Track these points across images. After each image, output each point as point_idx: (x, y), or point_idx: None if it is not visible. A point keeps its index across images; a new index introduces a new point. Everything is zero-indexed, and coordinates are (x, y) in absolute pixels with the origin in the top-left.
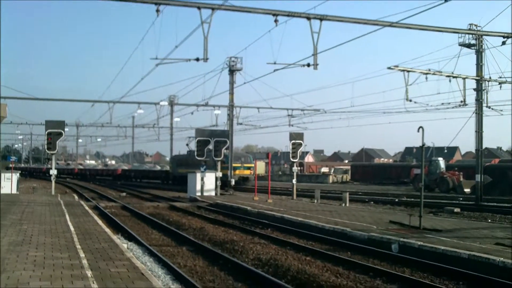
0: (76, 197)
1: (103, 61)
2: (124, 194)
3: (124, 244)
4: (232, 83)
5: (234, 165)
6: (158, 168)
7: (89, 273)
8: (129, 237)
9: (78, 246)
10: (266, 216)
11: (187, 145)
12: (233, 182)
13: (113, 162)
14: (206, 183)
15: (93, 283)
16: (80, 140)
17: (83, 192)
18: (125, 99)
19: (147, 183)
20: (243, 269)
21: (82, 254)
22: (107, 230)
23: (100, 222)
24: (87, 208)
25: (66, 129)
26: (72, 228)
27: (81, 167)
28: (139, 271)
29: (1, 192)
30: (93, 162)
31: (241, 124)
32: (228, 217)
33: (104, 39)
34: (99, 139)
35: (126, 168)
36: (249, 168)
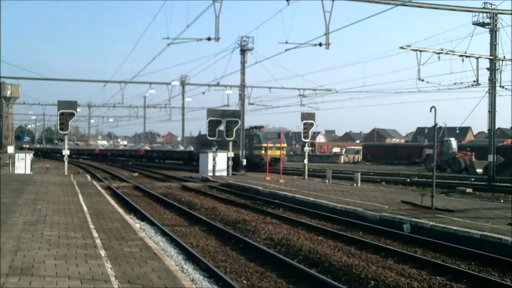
0: (88, 177)
1: (115, 40)
2: (136, 174)
3: (136, 224)
4: (243, 63)
5: (265, 145)
6: (181, 148)
7: (102, 252)
8: (142, 217)
9: (92, 226)
10: (278, 196)
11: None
12: (244, 162)
13: (125, 142)
14: (218, 163)
15: (107, 262)
16: (92, 121)
17: (96, 172)
18: (136, 79)
19: (170, 164)
20: (255, 249)
21: (95, 234)
22: (120, 210)
23: (112, 202)
24: (99, 188)
25: (78, 110)
26: (85, 208)
27: (102, 147)
28: (152, 251)
29: (16, 172)
30: (105, 142)
31: (252, 104)
32: (240, 197)
33: (116, 17)
34: (110, 120)
35: (148, 148)
36: (279, 148)
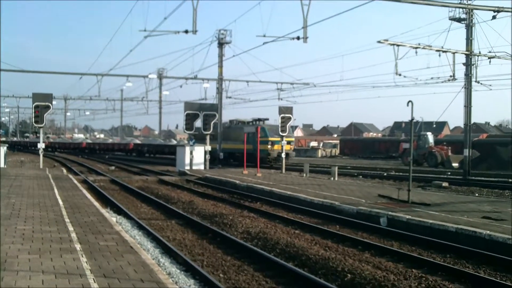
0: (64, 170)
1: (92, 33)
2: (113, 168)
3: (113, 217)
4: (221, 56)
5: (272, 139)
6: (174, 142)
7: (78, 246)
8: (118, 211)
9: (67, 220)
10: (255, 189)
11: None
12: (222, 156)
13: (102, 135)
14: (195, 156)
15: (82, 256)
16: (68, 114)
17: (72, 166)
18: (113, 72)
19: (160, 159)
20: (232, 243)
21: (71, 228)
22: (96, 203)
23: (89, 195)
24: (75, 181)
25: (53, 102)
26: (60, 202)
27: (89, 141)
28: (128, 245)
29: None
30: (81, 135)
31: (230, 97)
32: (217, 190)
33: (93, 9)
34: (87, 113)
35: (138, 142)
36: (289, 142)
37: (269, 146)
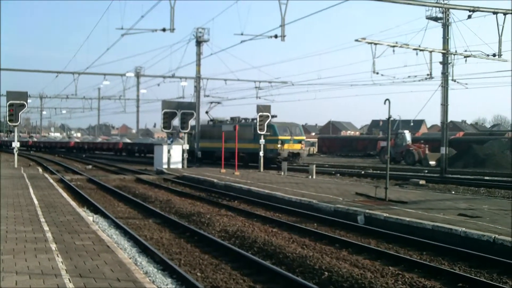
0: (40, 170)
1: (68, 30)
2: (90, 166)
3: (89, 217)
4: (199, 54)
5: (281, 137)
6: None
7: (53, 246)
8: (95, 210)
9: (42, 219)
10: (233, 188)
11: (206, 112)
12: (200, 154)
13: (79, 134)
14: (173, 155)
15: (58, 256)
16: (44, 112)
17: (48, 165)
18: (90, 70)
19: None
20: (210, 241)
21: (46, 227)
22: (73, 203)
23: (65, 195)
24: (51, 181)
25: (29, 101)
26: (36, 201)
27: (77, 140)
28: (105, 244)
29: None
30: (58, 134)
31: (208, 96)
32: (195, 189)
33: (69, 6)
34: (64, 111)
35: (128, 141)
36: (300, 141)
37: (278, 146)
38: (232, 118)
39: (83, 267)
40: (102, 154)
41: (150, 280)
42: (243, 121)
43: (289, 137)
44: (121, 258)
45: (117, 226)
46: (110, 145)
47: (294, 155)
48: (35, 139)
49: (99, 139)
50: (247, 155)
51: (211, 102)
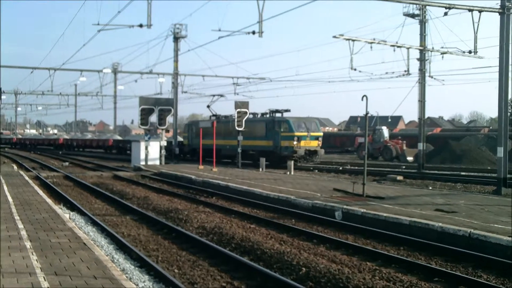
0: (15, 167)
1: (43, 25)
2: (67, 163)
3: (66, 214)
4: (176, 50)
5: (298, 134)
6: (179, 138)
7: (28, 244)
8: (72, 207)
9: (17, 217)
10: (211, 184)
11: (208, 106)
12: (177, 151)
13: (55, 131)
14: (151, 152)
15: (33, 254)
16: (19, 109)
17: (23, 162)
18: (66, 66)
19: (116, 154)
20: (188, 238)
21: (20, 225)
22: (49, 200)
23: (41, 192)
24: (27, 178)
25: (3, 97)
26: (10, 199)
27: (66, 137)
28: (81, 241)
29: None
30: (33, 131)
31: (186, 92)
32: (172, 186)
33: (43, 2)
34: (39, 108)
35: (119, 138)
36: (317, 138)
37: (294, 143)
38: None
39: (58, 265)
40: (80, 151)
41: (127, 277)
42: (250, 116)
43: (305, 133)
44: (97, 256)
45: (94, 223)
46: (99, 142)
47: (311, 153)
48: (19, 136)
49: (88, 136)
50: (257, 153)
51: (213, 95)
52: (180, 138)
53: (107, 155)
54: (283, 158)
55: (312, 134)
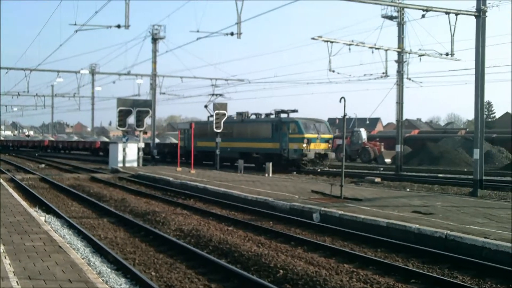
0: None
1: (18, 24)
2: (43, 165)
3: (41, 217)
4: (155, 51)
5: (308, 135)
6: (156, 140)
7: (1, 248)
8: (48, 210)
9: None
10: (189, 186)
11: (205, 106)
12: (155, 153)
13: (32, 132)
14: (128, 154)
15: (5, 258)
16: None
17: None
18: (43, 67)
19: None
20: (165, 240)
21: None
22: (23, 203)
23: (15, 195)
24: (1, 180)
25: None
26: None
27: (52, 138)
28: (57, 244)
29: None
30: (9, 132)
31: (164, 93)
32: (150, 188)
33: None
34: (15, 109)
35: (106, 140)
36: (327, 140)
37: (304, 145)
38: (239, 113)
39: (32, 268)
40: (56, 153)
41: (103, 280)
42: (252, 116)
43: (315, 135)
44: (73, 259)
45: (71, 226)
46: (86, 144)
47: (321, 156)
48: (2, 138)
49: (75, 138)
50: (262, 156)
51: (212, 95)
52: (174, 140)
53: (86, 157)
54: (291, 162)
55: (322, 136)
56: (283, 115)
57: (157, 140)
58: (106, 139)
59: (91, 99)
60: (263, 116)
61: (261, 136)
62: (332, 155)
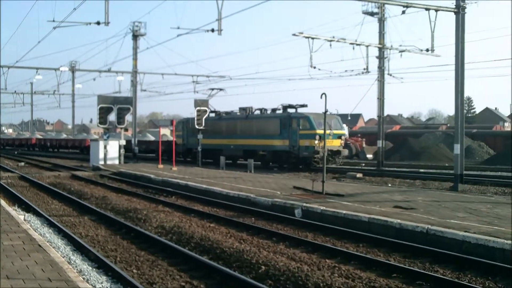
0: None
1: None
2: (22, 164)
3: (20, 215)
4: (135, 48)
5: (320, 131)
6: (151, 137)
7: None
8: (27, 208)
9: None
10: (171, 184)
11: None
12: (137, 150)
13: (11, 130)
14: (110, 151)
15: None
16: None
17: None
18: (21, 64)
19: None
20: (147, 238)
21: None
22: (2, 201)
23: None
24: None
25: None
26: None
27: (39, 136)
28: (36, 243)
29: None
30: None
31: (145, 90)
32: (131, 185)
33: None
34: None
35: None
36: (340, 136)
37: (316, 142)
38: (242, 109)
39: (11, 268)
40: (36, 151)
41: (83, 278)
42: (256, 112)
43: (328, 131)
44: (53, 257)
45: (51, 224)
46: (75, 142)
47: (334, 154)
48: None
49: (63, 136)
50: (269, 154)
51: (212, 89)
52: (151, 137)
53: (66, 154)
54: (302, 160)
55: (335, 132)
56: (291, 110)
57: (169, 138)
58: (96, 137)
59: (72, 96)
60: (269, 112)
61: (268, 132)
62: (345, 152)
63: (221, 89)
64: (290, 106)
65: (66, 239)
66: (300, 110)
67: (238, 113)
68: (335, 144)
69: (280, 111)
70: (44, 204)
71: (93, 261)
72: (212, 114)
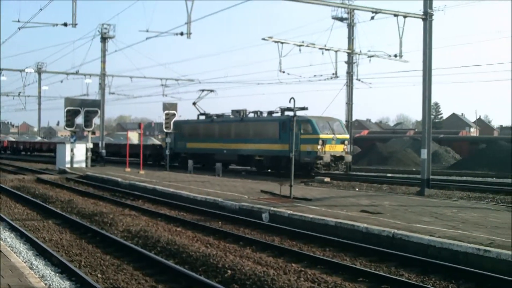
0: None
1: None
2: None
3: None
4: (104, 51)
5: (323, 136)
6: (153, 141)
7: None
8: None
9: None
10: (138, 187)
11: (194, 104)
12: (104, 153)
13: None
14: (77, 154)
15: None
16: None
17: None
18: None
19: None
20: (112, 242)
21: None
22: None
23: None
24: None
25: None
26: None
27: (12, 139)
28: None
29: None
30: None
31: (113, 93)
32: (98, 189)
33: None
34: None
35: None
36: (343, 141)
37: (318, 147)
38: (235, 111)
39: None
40: (7, 155)
41: (46, 284)
42: (250, 114)
43: (331, 136)
44: (14, 263)
45: (13, 229)
46: (51, 145)
47: (337, 159)
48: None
49: (38, 139)
50: (267, 159)
51: (202, 90)
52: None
53: (33, 157)
54: (303, 166)
55: (338, 136)
56: (289, 113)
57: (156, 142)
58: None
59: (38, 98)
60: (264, 114)
61: (265, 136)
62: (348, 157)
63: (211, 91)
64: (289, 109)
65: (28, 244)
66: (299, 113)
67: (232, 116)
68: (338, 149)
69: (278, 114)
70: (6, 208)
71: (56, 266)
72: (202, 117)
